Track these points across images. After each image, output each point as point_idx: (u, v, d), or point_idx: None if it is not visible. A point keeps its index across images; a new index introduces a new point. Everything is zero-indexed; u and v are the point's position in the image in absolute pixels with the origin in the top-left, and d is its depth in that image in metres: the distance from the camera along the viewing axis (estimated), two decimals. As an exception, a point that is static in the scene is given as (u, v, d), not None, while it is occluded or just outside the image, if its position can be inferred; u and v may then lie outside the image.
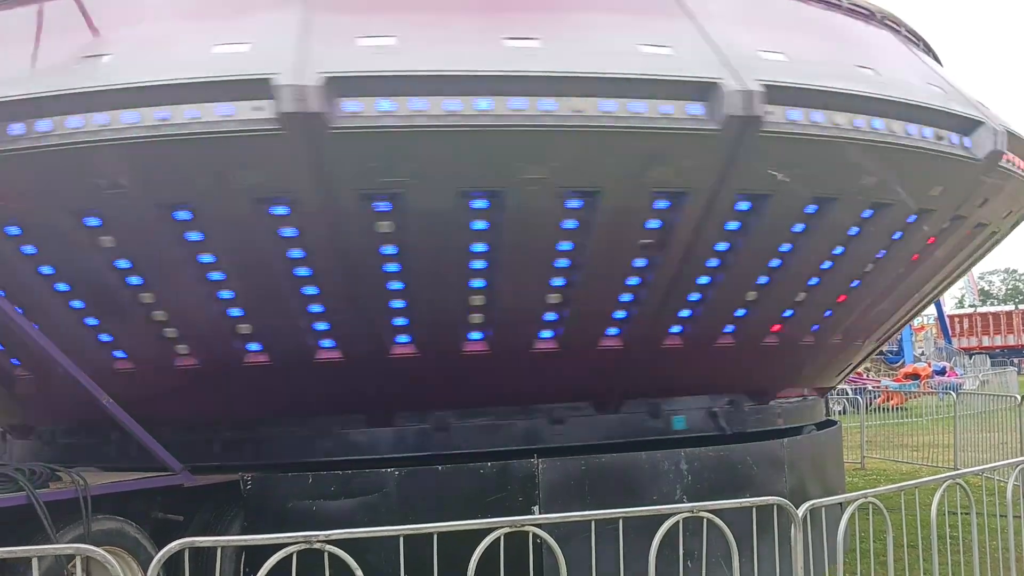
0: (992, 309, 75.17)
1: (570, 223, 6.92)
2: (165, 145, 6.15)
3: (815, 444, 10.15)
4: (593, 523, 5.49)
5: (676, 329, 8.06)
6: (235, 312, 7.27)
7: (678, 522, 5.40)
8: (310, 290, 7.07)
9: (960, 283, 72.00)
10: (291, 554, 4.65)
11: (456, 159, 6.39)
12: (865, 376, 35.20)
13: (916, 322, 49.18)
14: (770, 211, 7.29)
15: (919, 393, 29.30)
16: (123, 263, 6.96)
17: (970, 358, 54.85)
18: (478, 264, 7.03)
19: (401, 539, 5.02)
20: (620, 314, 7.71)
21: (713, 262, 7.59)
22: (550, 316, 7.54)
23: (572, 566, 5.21)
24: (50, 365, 7.03)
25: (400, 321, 7.36)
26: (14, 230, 6.87)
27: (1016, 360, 58.71)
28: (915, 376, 36.40)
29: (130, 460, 7.57)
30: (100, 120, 6.17)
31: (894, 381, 35.40)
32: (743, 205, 7.24)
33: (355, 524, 6.92)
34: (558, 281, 7.31)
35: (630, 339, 7.88)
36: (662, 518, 5.40)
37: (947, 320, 60.92)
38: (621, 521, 5.58)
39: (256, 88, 6.02)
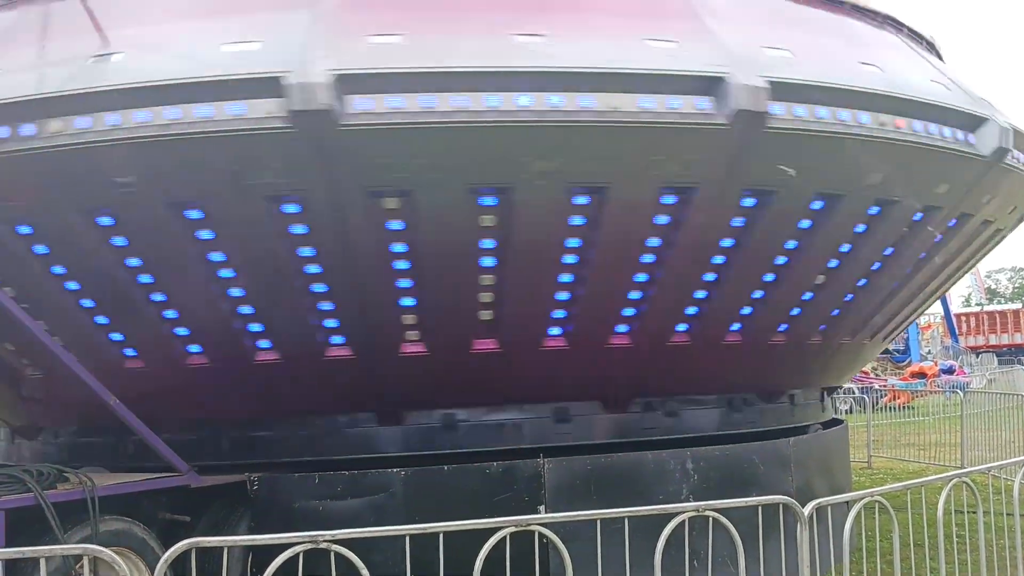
0: (999, 307, 74.96)
1: (578, 219, 6.94)
2: (178, 144, 6.19)
3: (821, 443, 10.14)
4: (599, 522, 5.49)
5: (683, 327, 8.06)
6: (245, 310, 7.30)
7: (684, 521, 5.39)
8: (319, 287, 7.09)
9: (967, 281, 72.05)
10: (297, 554, 4.66)
11: (464, 155, 6.42)
12: (872, 375, 35.15)
13: (922, 321, 49.20)
14: (776, 207, 7.30)
15: (926, 392, 29.25)
16: (133, 261, 7.00)
17: (977, 357, 54.74)
18: (487, 261, 7.05)
19: (407, 539, 5.02)
20: (629, 311, 7.72)
21: (719, 259, 7.59)
22: (559, 314, 7.55)
23: (578, 566, 5.20)
24: (58, 366, 7.05)
25: (409, 319, 7.37)
26: (25, 229, 6.90)
27: (1023, 358, 58.60)
28: (921, 375, 36.37)
29: (131, 460, 7.62)
30: (112, 120, 6.22)
31: (900, 380, 35.35)
32: (749, 201, 7.25)
33: (361, 524, 6.94)
34: (566, 278, 7.32)
35: (639, 337, 7.89)
36: (668, 517, 5.39)
37: (954, 319, 60.74)
38: (627, 520, 5.58)
39: (266, 86, 6.06)
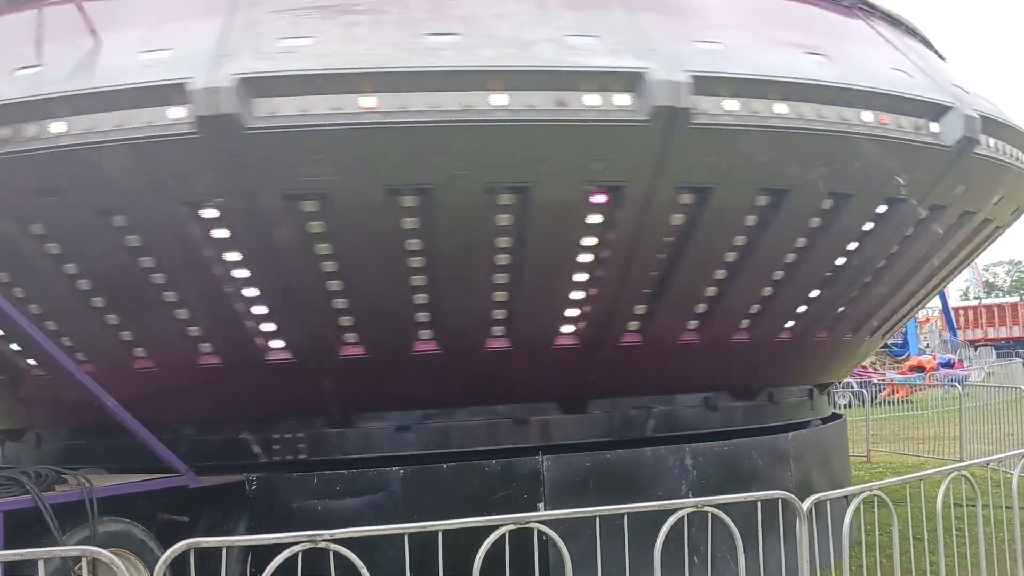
0: (997, 301, 75.04)
1: (504, 219, 6.81)
2: (96, 151, 6.22)
3: (820, 438, 10.15)
4: (598, 519, 5.48)
5: (634, 326, 7.93)
6: (182, 314, 7.33)
7: (683, 517, 5.39)
8: (250, 291, 7.11)
9: (965, 275, 72.04)
10: (297, 554, 4.65)
11: (378, 157, 6.32)
12: (870, 369, 35.18)
13: (921, 315, 49.17)
14: (716, 204, 7.12)
15: (924, 386, 29.28)
16: (71, 268, 7.08)
17: (975, 350, 54.80)
18: (415, 262, 6.96)
19: (406, 537, 5.01)
20: (573, 312, 7.61)
21: (662, 255, 7.45)
22: (499, 314, 7.45)
23: (577, 563, 5.20)
24: (57, 369, 7.04)
25: (345, 321, 7.35)
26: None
27: (1021, 351, 58.67)
28: (920, 369, 36.42)
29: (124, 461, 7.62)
30: (31, 131, 6.29)
31: (899, 374, 35.39)
32: (686, 198, 7.09)
33: (360, 523, 6.92)
34: (501, 278, 7.20)
35: (586, 338, 7.78)
36: (667, 513, 5.39)
37: (952, 312, 60.80)
38: (626, 517, 5.58)
39: (172, 93, 6.03)
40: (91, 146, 6.21)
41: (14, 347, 7.69)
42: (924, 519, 6.29)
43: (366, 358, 7.49)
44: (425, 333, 7.48)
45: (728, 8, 7.82)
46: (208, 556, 5.56)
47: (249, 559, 7.28)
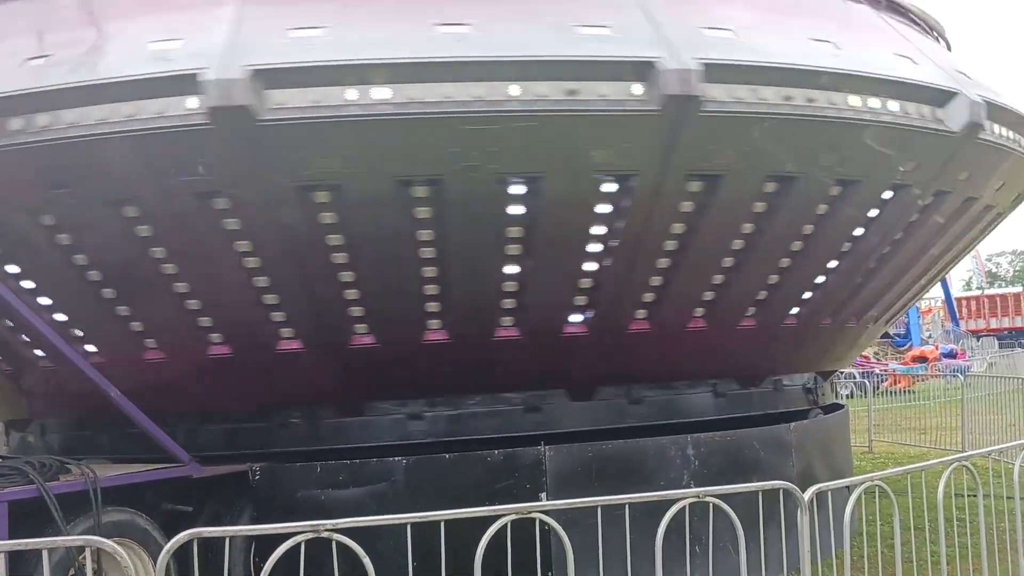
0: (1000, 291, 74.95)
1: (516, 208, 6.86)
2: (106, 142, 6.24)
3: (822, 428, 10.17)
4: (599, 509, 5.50)
5: (642, 313, 7.99)
6: (194, 304, 7.36)
7: (685, 508, 5.40)
8: (261, 280, 7.12)
9: (967, 265, 71.98)
10: (300, 544, 4.67)
11: (391, 148, 6.33)
12: (873, 360, 35.18)
13: (923, 305, 49.20)
14: (725, 192, 7.16)
15: (926, 376, 29.27)
16: (81, 259, 7.11)
17: (978, 340, 54.79)
18: (427, 252, 6.98)
19: (408, 527, 5.04)
20: (582, 300, 7.64)
21: (671, 244, 7.48)
22: (509, 303, 7.48)
23: (579, 552, 5.22)
24: (61, 359, 7.07)
25: (356, 311, 7.39)
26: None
27: (1024, 342, 58.62)
28: (922, 359, 36.40)
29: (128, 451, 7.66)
30: (43, 120, 6.30)
31: (901, 364, 35.39)
32: (695, 186, 7.12)
33: (364, 513, 6.95)
34: (512, 269, 7.25)
35: (595, 326, 7.83)
36: (668, 504, 5.40)
37: (954, 302, 60.73)
38: (627, 507, 5.59)
39: (186, 84, 6.03)
40: (103, 136, 6.22)
41: (20, 337, 7.70)
42: (925, 509, 6.30)
43: (377, 347, 7.53)
44: (434, 323, 7.52)
45: None
46: (212, 546, 5.60)
47: (252, 549, 7.33)
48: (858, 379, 24.79)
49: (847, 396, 23.20)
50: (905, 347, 43.11)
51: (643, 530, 5.51)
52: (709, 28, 7.00)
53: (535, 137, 6.44)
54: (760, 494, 5.93)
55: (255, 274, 7.06)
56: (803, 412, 10.17)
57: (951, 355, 38.21)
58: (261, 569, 4.69)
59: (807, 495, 5.50)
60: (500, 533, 4.97)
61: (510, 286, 7.37)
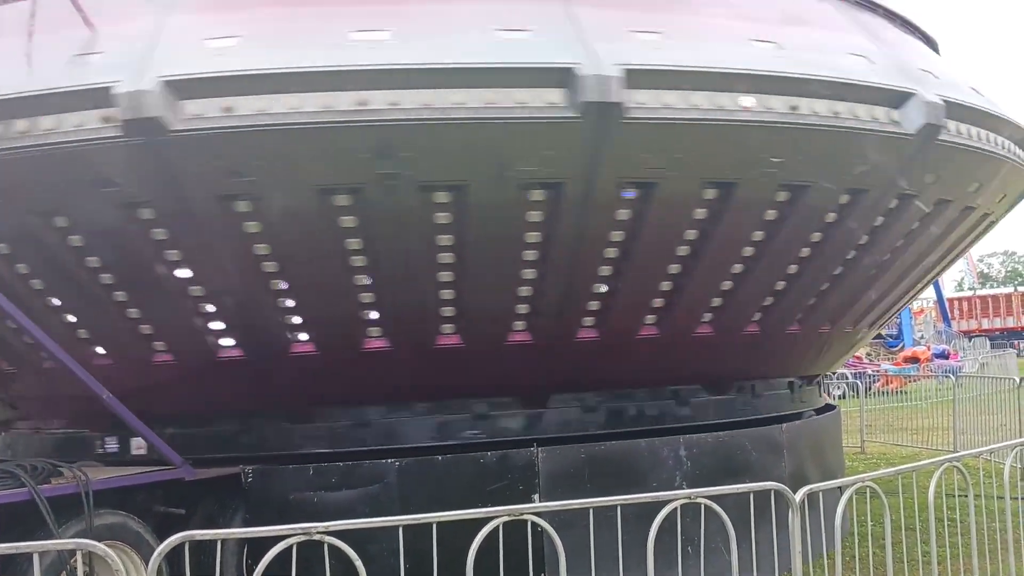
0: (991, 292, 75.26)
1: (443, 217, 6.70)
2: (32, 155, 6.24)
3: (814, 429, 10.19)
4: (591, 511, 5.51)
5: (589, 322, 7.83)
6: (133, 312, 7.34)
7: (677, 509, 5.42)
8: (196, 290, 7.10)
9: (959, 265, 72.15)
10: (292, 546, 4.67)
11: (308, 157, 6.24)
12: (865, 360, 35.30)
13: (915, 305, 49.32)
14: (662, 199, 6.95)
15: (918, 377, 29.36)
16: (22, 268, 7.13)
17: (969, 341, 54.96)
18: (358, 261, 6.91)
19: (400, 529, 5.04)
20: (523, 308, 7.52)
21: (612, 252, 7.29)
22: (448, 311, 7.39)
23: (571, 554, 5.23)
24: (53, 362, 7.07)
25: (295, 319, 7.38)
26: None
27: (1016, 342, 58.91)
28: (914, 360, 36.53)
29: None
30: None
31: (893, 365, 35.50)
32: (629, 193, 6.91)
33: (356, 515, 6.91)
34: (446, 277, 7.10)
35: (539, 334, 7.72)
36: (660, 505, 5.42)
37: (946, 303, 60.93)
38: (619, 509, 5.61)
39: (99, 97, 6.01)
40: (24, 149, 6.21)
41: (9, 340, 7.69)
42: (916, 509, 6.33)
43: (315, 355, 7.48)
44: (375, 331, 7.44)
45: None
46: (204, 549, 5.59)
47: (245, 551, 7.33)
48: (850, 380, 24.88)
49: (839, 397, 23.28)
50: (897, 348, 43.28)
51: (635, 531, 5.52)
52: (638, 31, 6.79)
53: (454, 145, 6.31)
54: (751, 495, 5.94)
55: (188, 284, 7.03)
56: (790, 416, 10.08)
57: (943, 356, 38.34)
58: (253, 571, 4.69)
59: (798, 496, 5.52)
60: (492, 535, 4.98)
61: (446, 294, 7.24)
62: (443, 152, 6.32)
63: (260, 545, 5.19)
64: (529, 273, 7.23)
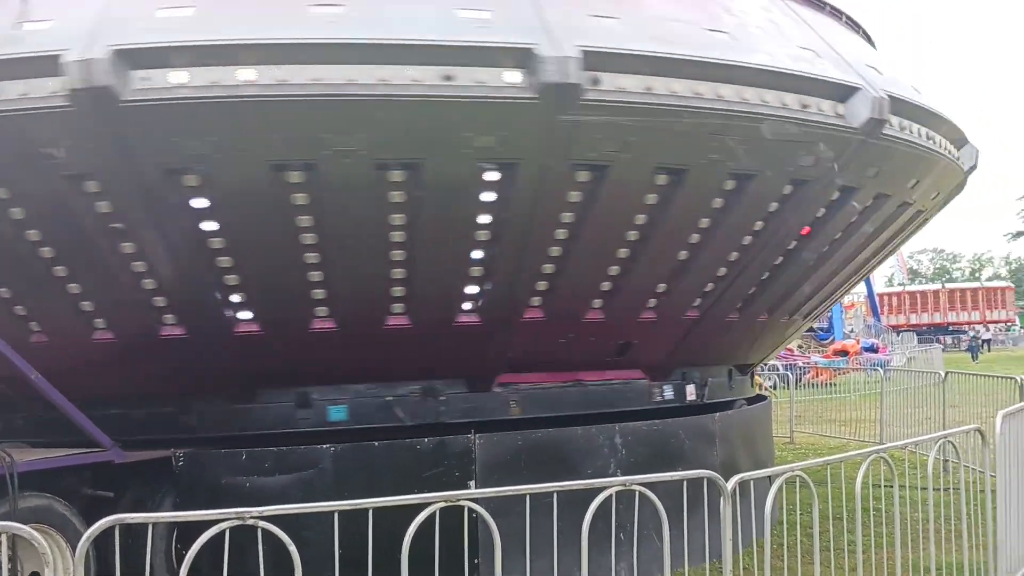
0: (920, 288, 77.25)
1: (398, 195, 6.65)
2: None
3: (745, 419, 10.35)
4: (528, 497, 5.54)
5: (536, 302, 7.85)
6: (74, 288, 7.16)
7: (611, 496, 5.46)
8: (138, 265, 6.96)
9: (890, 261, 73.79)
10: (224, 531, 4.61)
11: (261, 131, 6.14)
12: (796, 352, 35.95)
13: (846, 300, 50.31)
14: (614, 182, 6.99)
15: (848, 369, 29.99)
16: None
17: (898, 335, 56.30)
18: (308, 238, 6.82)
19: (336, 515, 5.01)
20: (473, 289, 7.55)
21: (563, 233, 7.31)
22: (398, 291, 7.36)
23: (507, 540, 5.25)
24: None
25: (236, 297, 7.26)
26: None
27: (942, 337, 60.53)
28: (844, 353, 37.32)
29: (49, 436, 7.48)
30: None
31: (823, 357, 36.22)
32: (583, 176, 6.94)
33: (290, 500, 6.89)
34: (398, 255, 7.05)
35: (488, 315, 7.73)
36: (596, 492, 5.46)
37: (876, 298, 62.34)
38: (556, 495, 5.63)
39: (48, 65, 5.85)
40: None
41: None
42: (843, 499, 6.46)
43: (260, 335, 7.39)
44: (322, 310, 7.37)
45: None
46: (132, 533, 5.50)
47: (175, 536, 7.23)
48: (781, 371, 25.30)
49: (771, 388, 23.67)
50: (828, 340, 44.14)
51: (570, 518, 5.55)
52: (597, 16, 6.79)
53: (411, 122, 6.24)
54: (684, 483, 6.02)
55: (132, 259, 6.89)
56: (722, 405, 10.26)
57: (872, 349, 39.26)
58: (183, 557, 4.63)
59: (730, 484, 5.59)
60: (428, 521, 4.97)
61: (397, 273, 7.22)
62: (399, 129, 6.26)
63: (190, 530, 5.11)
64: (479, 254, 7.23)
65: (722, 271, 8.44)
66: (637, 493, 5.54)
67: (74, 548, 5.32)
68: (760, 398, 11.69)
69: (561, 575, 5.86)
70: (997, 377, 13.72)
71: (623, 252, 7.70)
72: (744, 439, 10.03)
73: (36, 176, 6.35)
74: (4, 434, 7.96)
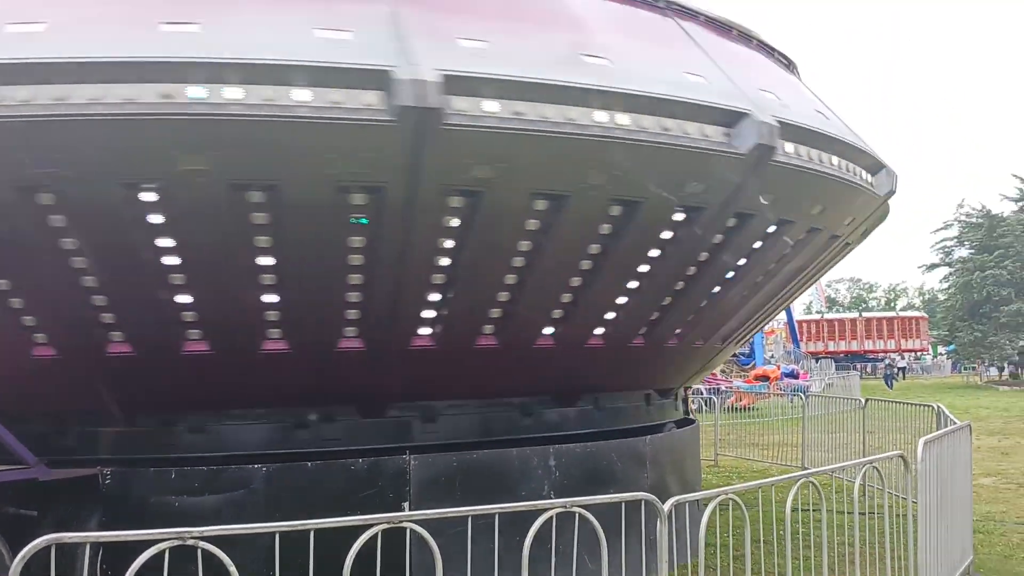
0: (838, 316, 79.22)
1: (259, 217, 6.48)
2: None
3: (675, 442, 10.47)
4: (470, 519, 5.54)
5: (426, 331, 7.76)
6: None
7: (547, 517, 5.48)
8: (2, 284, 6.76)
9: (808, 289, 75.59)
10: (153, 552, 4.50)
11: (109, 150, 5.96)
12: (720, 377, 36.51)
13: (767, 326, 51.33)
14: (489, 208, 6.83)
15: (769, 394, 30.56)
16: None
17: (816, 362, 57.57)
18: (170, 260, 6.65)
19: (277, 536, 4.95)
20: (354, 314, 7.39)
21: (444, 260, 7.18)
22: (272, 315, 7.19)
23: (442, 561, 5.22)
24: None
25: (108, 318, 7.08)
26: None
27: (858, 364, 62.16)
28: (765, 378, 38.03)
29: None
30: None
31: (745, 382, 36.86)
32: (456, 201, 6.80)
33: (220, 521, 6.78)
34: (268, 279, 6.87)
35: (372, 341, 7.60)
36: (534, 514, 5.48)
37: (796, 325, 63.76)
38: (497, 516, 5.64)
39: None
40: None
41: None
42: (772, 522, 6.59)
43: (134, 357, 7.23)
44: (194, 333, 7.22)
45: (508, 5, 7.54)
46: (57, 551, 5.35)
47: (100, 556, 7.05)
48: (705, 395, 25.69)
49: (695, 411, 24.01)
50: (749, 366, 44.93)
51: (501, 539, 5.57)
52: (465, 39, 6.69)
53: (266, 144, 6.07)
54: (622, 505, 6.08)
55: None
56: (653, 428, 10.30)
57: (792, 375, 40.05)
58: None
59: (667, 506, 5.67)
60: (352, 542, 4.90)
61: (269, 298, 7.01)
62: (254, 150, 6.09)
63: (118, 551, 4.99)
64: (356, 278, 7.07)
65: (621, 299, 8.34)
66: (570, 515, 5.58)
67: (-3, 568, 5.16)
68: (689, 421, 11.84)
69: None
70: (915, 405, 14.12)
71: (511, 278, 7.54)
72: (673, 462, 10.14)
73: None
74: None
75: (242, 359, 7.43)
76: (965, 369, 64.60)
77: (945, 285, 65.96)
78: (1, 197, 6.10)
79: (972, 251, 58.16)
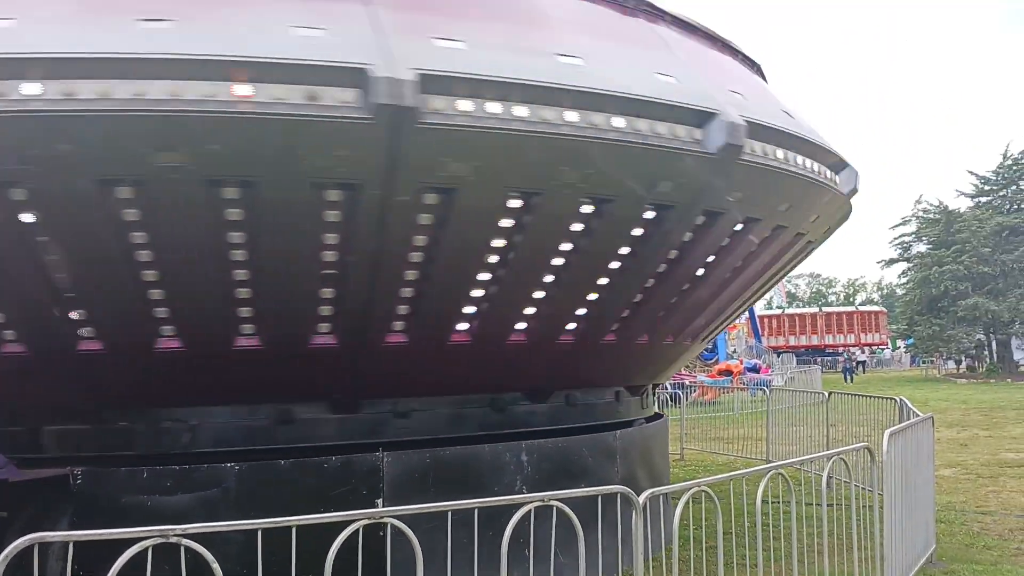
0: (798, 311, 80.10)
1: (234, 213, 6.49)
2: None
3: (645, 436, 10.59)
4: (450, 513, 5.59)
5: (398, 326, 7.75)
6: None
7: (521, 511, 5.53)
8: None
9: (769, 285, 76.36)
10: (140, 549, 4.51)
11: (86, 146, 5.93)
12: (684, 372, 36.82)
13: (730, 322, 51.83)
14: (464, 206, 6.89)
15: (732, 389, 30.86)
16: None
17: (778, 356, 58.26)
18: (145, 256, 6.62)
19: (259, 533, 4.96)
20: (327, 311, 7.39)
21: (417, 256, 7.19)
22: (244, 312, 7.16)
23: (411, 556, 5.25)
24: None
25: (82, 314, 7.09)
26: None
27: (819, 358, 62.92)
28: (728, 372, 38.44)
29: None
30: None
31: (709, 377, 37.21)
32: (431, 199, 6.83)
33: (193, 520, 6.73)
34: (241, 275, 6.88)
35: (344, 338, 7.60)
36: (510, 508, 5.54)
37: (758, 320, 64.40)
38: (461, 511, 5.68)
39: None
40: None
41: None
42: (743, 514, 6.69)
43: (104, 353, 7.17)
44: (168, 329, 7.19)
45: (484, 5, 7.57)
46: (23, 552, 5.31)
47: (70, 556, 6.99)
48: (670, 390, 25.89)
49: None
50: (712, 361, 45.37)
51: (481, 533, 5.62)
52: (441, 38, 6.74)
53: (240, 140, 6.08)
54: (599, 498, 6.16)
55: None
56: (605, 426, 10.23)
57: (755, 369, 40.51)
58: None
59: (642, 499, 5.75)
60: (330, 538, 4.93)
61: (243, 294, 7.00)
62: (229, 146, 6.10)
63: (91, 551, 4.96)
64: (330, 275, 7.07)
65: (592, 295, 8.40)
66: (548, 508, 5.64)
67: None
68: (658, 416, 11.97)
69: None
70: (877, 398, 14.34)
71: (484, 275, 7.59)
72: (643, 456, 10.26)
73: None
74: None
75: (215, 356, 7.40)
76: (924, 363, 65.60)
77: (903, 280, 66.88)
78: None
79: (930, 246, 59.05)
